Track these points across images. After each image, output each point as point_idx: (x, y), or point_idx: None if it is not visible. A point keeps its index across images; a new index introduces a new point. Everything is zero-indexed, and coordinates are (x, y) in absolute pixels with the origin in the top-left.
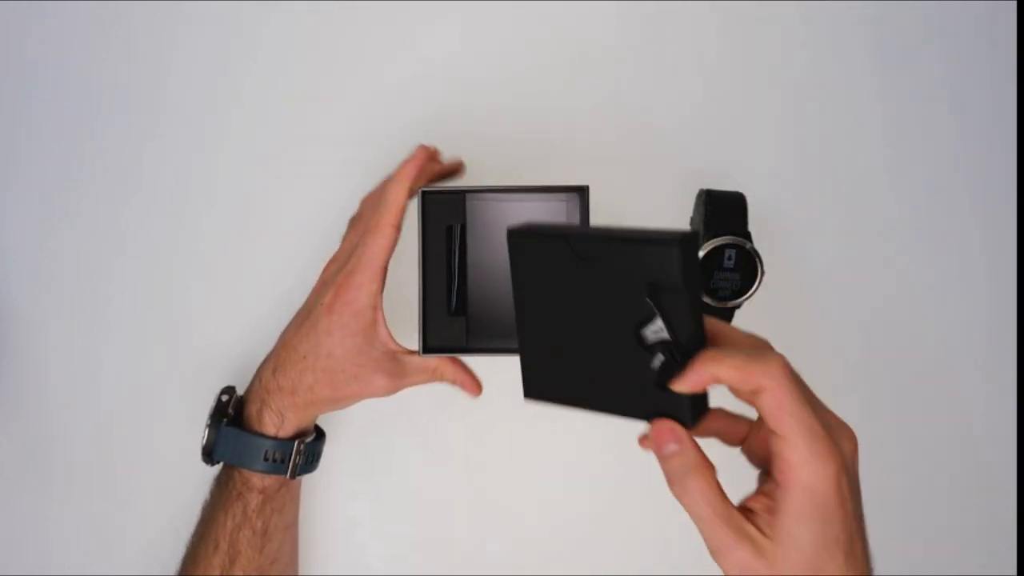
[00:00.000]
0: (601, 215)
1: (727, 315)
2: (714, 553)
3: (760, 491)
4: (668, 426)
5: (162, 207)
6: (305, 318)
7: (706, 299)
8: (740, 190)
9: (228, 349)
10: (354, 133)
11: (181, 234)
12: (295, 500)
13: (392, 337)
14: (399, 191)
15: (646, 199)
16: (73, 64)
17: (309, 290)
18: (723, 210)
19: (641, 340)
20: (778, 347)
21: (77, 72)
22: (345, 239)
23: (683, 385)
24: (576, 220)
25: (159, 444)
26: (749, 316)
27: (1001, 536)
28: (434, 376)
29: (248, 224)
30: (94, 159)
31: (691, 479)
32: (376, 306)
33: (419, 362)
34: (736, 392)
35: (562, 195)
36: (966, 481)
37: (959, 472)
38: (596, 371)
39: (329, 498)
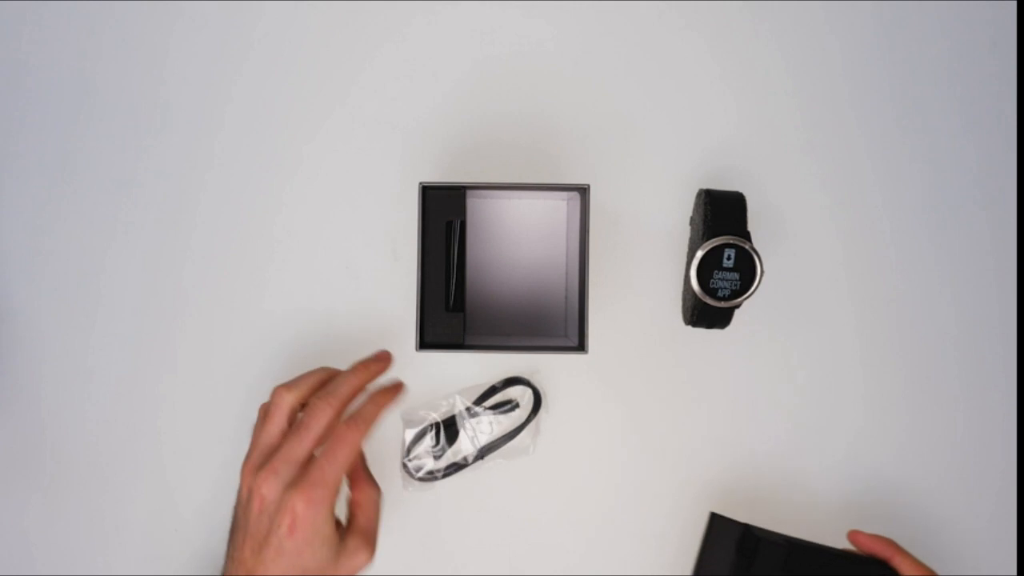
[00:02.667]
0: (601, 214)
1: (727, 315)
2: None
3: None
4: None
5: (160, 206)
6: (263, 545)
7: (706, 299)
8: (740, 190)
9: (227, 348)
10: (354, 133)
11: (179, 233)
12: None
13: (340, 521)
14: (374, 412)
15: (646, 199)
16: (71, 64)
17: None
18: (723, 210)
19: None
20: (777, 346)
21: (74, 72)
22: (266, 431)
23: None
24: (576, 218)
25: (158, 444)
26: (749, 316)
27: (1001, 536)
28: (377, 505)
29: (247, 224)
30: (91, 159)
31: None
32: (332, 510)
33: (366, 514)
34: None
35: (563, 193)
36: (966, 481)
37: (959, 472)
38: None
39: None
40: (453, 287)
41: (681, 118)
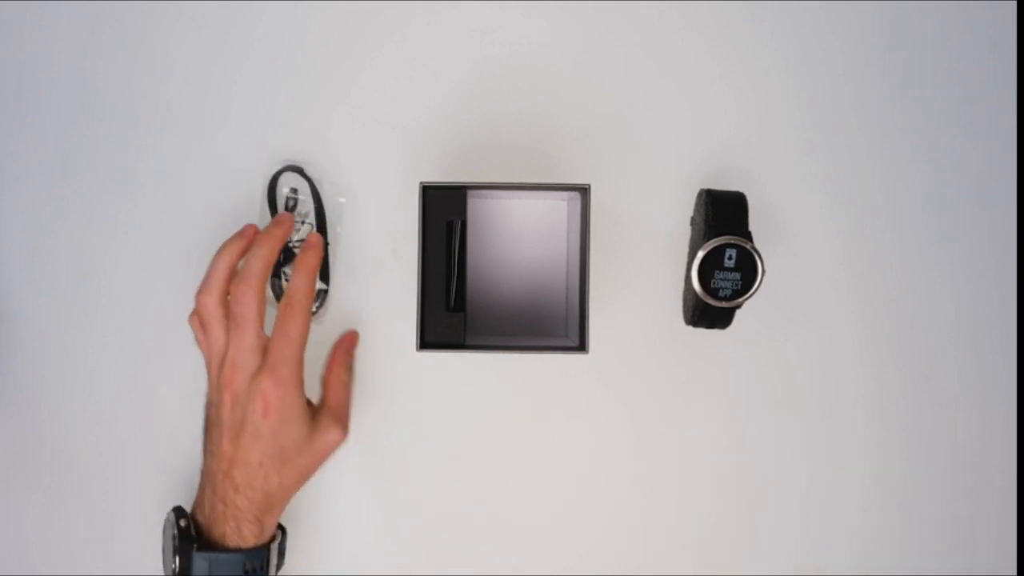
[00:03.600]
0: (601, 214)
1: (728, 315)
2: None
3: None
4: None
5: (160, 206)
6: (239, 433)
7: (707, 299)
8: (740, 190)
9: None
10: (355, 133)
11: (180, 233)
12: None
13: (309, 400)
14: (308, 281)
15: (647, 199)
16: (71, 64)
17: None
18: (723, 210)
19: None
20: (778, 346)
21: (74, 72)
22: (211, 338)
23: None
24: (577, 218)
25: (157, 444)
26: (750, 316)
27: (1001, 536)
28: (347, 387)
29: (248, 221)
30: (91, 158)
31: None
32: (302, 387)
33: (335, 393)
34: None
35: (563, 194)
36: (966, 481)
37: (959, 472)
38: None
39: (328, 496)
40: (454, 287)
41: (681, 118)
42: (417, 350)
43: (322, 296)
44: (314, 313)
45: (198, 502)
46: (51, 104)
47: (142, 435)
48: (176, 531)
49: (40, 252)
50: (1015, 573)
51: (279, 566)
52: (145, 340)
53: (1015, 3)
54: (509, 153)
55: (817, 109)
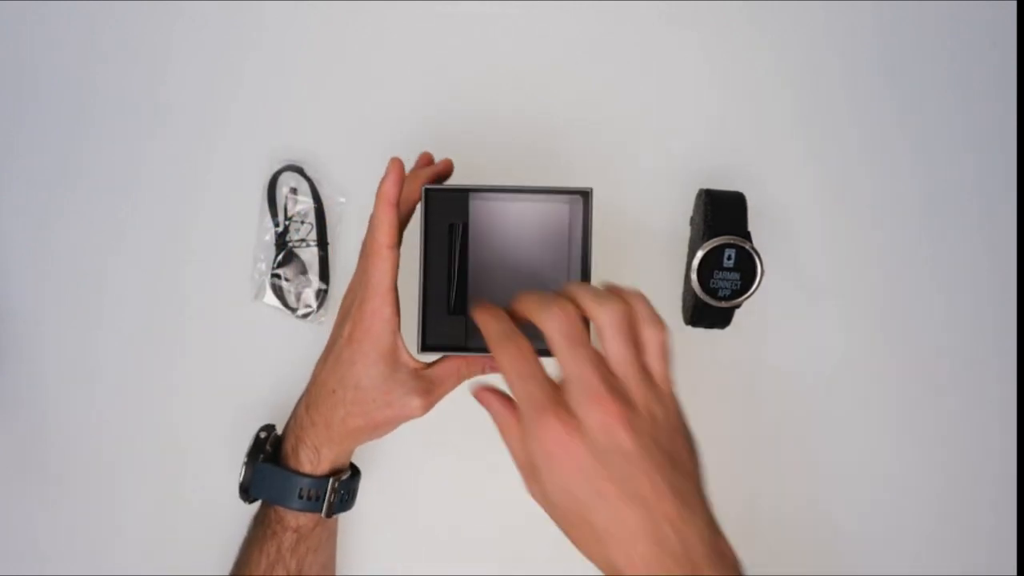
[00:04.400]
0: (601, 214)
1: (727, 314)
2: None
3: None
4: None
5: (162, 206)
6: (329, 352)
7: (706, 299)
8: (740, 190)
9: (229, 349)
10: (356, 134)
11: (181, 234)
12: (332, 539)
13: (412, 356)
14: (383, 211)
15: (646, 199)
16: (72, 64)
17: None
18: (723, 210)
19: None
20: (778, 346)
21: (75, 72)
22: (358, 266)
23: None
24: (579, 222)
25: (158, 444)
26: (749, 316)
27: (1001, 536)
28: (460, 378)
29: (248, 223)
30: (92, 159)
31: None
32: (394, 330)
33: (442, 372)
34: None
35: (565, 197)
36: (966, 481)
37: (959, 472)
38: None
39: None
40: (455, 289)
41: (681, 118)
42: (419, 352)
43: (322, 296)
44: (314, 313)
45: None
46: (51, 104)
47: (143, 435)
48: (254, 440)
49: (41, 251)
50: (1015, 573)
51: (342, 506)
52: (146, 340)
53: (1015, 3)
54: (510, 154)
55: (817, 109)
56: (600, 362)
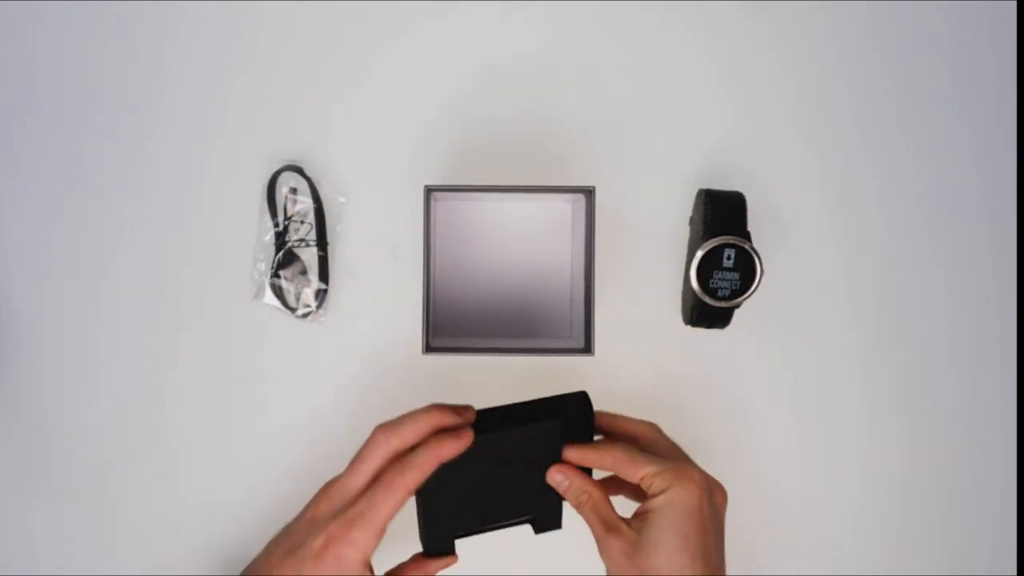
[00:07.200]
0: (601, 214)
1: (727, 314)
2: (598, 542)
3: (639, 510)
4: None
5: (162, 206)
6: (290, 552)
7: (706, 299)
8: (740, 190)
9: (230, 349)
10: (357, 135)
11: (182, 234)
12: None
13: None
14: (429, 462)
15: (646, 199)
16: (72, 64)
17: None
18: (723, 210)
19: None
20: (777, 346)
21: (76, 72)
22: (351, 470)
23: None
24: (581, 221)
25: (160, 445)
26: (748, 316)
27: (1001, 536)
28: None
29: (249, 223)
30: (93, 159)
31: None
32: (367, 564)
33: None
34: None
35: (568, 196)
36: (966, 481)
37: (959, 472)
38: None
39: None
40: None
41: (681, 118)
42: (423, 353)
43: (321, 296)
44: (314, 313)
45: None
46: (52, 104)
47: (142, 435)
48: None
49: (41, 252)
50: (1015, 573)
51: None
52: (146, 340)
53: (1015, 3)
54: (510, 154)
55: (816, 109)
56: None
